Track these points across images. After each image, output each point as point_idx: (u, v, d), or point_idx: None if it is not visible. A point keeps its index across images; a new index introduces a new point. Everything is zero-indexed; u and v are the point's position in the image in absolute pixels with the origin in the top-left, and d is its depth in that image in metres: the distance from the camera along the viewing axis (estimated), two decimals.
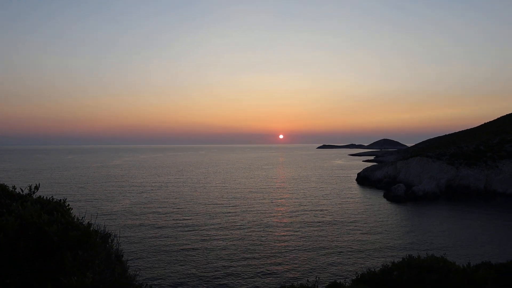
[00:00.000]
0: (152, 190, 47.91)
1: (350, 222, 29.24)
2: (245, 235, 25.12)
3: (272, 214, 32.07)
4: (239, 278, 17.17)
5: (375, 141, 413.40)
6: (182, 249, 21.57)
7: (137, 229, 26.59)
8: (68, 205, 3.53)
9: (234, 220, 29.50)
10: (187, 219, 29.78)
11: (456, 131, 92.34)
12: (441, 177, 45.20)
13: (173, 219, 29.78)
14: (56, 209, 3.31)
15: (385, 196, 42.95)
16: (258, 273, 17.87)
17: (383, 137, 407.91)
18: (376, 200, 40.47)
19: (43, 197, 3.51)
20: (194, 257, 20.21)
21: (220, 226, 27.64)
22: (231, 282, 16.63)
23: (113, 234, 3.50)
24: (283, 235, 25.19)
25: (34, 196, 3.55)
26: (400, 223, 29.08)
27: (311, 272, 17.89)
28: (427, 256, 6.61)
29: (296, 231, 26.26)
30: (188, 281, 16.76)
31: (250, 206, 36.16)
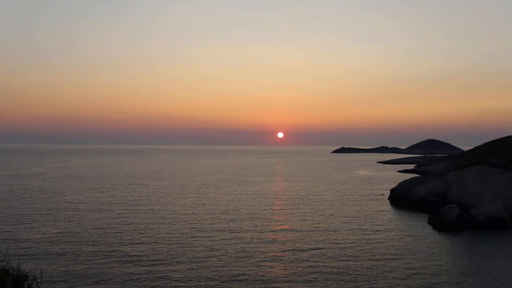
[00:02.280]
0: (86, 212, 47.46)
1: (383, 262, 29.02)
2: None
3: (269, 255, 31.64)
4: None
5: (416, 142, 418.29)
6: None
7: (66, 267, 26.03)
8: None
9: (210, 263, 28.98)
10: (138, 256, 29.23)
11: None
12: (511, 195, 45.49)
13: (117, 257, 29.16)
14: None
15: (430, 222, 43.26)
16: None
17: (428, 137, 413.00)
18: (418, 228, 40.60)
19: None
20: None
21: (187, 274, 27.17)
22: None
23: (31, 275, 3.67)
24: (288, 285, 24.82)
25: None
26: (452, 262, 28.98)
27: None
28: None
29: (307, 279, 25.87)
30: None
31: (233, 241, 35.73)
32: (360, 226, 41.67)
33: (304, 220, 44.74)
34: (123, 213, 47.76)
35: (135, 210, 50.35)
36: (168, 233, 37.45)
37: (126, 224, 41.58)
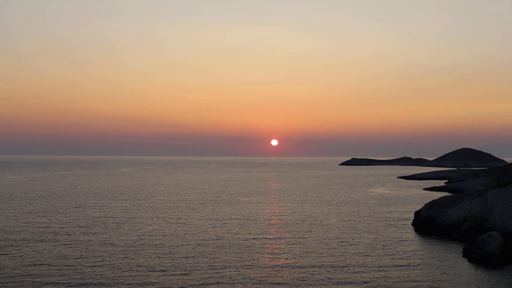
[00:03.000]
0: (23, 242, 46.82)
1: None
2: None
3: None
4: None
5: (447, 152, 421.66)
6: None
7: None
8: None
9: None
10: None
11: None
12: None
13: None
14: None
15: (465, 254, 43.23)
16: None
17: (463, 145, 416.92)
18: (450, 262, 40.62)
19: None
20: None
21: None
22: None
23: None
24: None
25: None
26: None
27: None
28: None
29: None
30: None
31: (214, 279, 35.57)
32: (377, 259, 41.60)
33: (306, 252, 44.59)
34: (71, 244, 47.15)
35: (88, 240, 49.76)
36: (130, 269, 36.95)
37: (76, 258, 41.02)
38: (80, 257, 41.31)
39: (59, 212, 73.20)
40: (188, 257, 41.92)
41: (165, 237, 51.86)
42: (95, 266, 38.32)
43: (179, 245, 47.09)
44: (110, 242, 48.61)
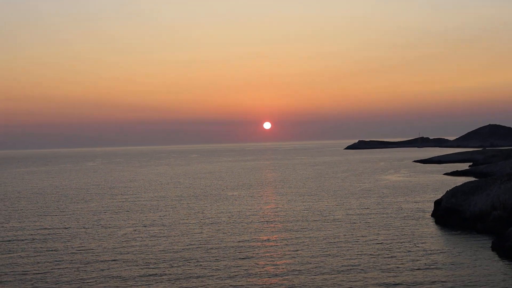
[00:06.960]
0: None
1: None
2: None
3: None
4: None
5: (471, 130, 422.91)
6: None
7: None
8: None
9: None
10: None
11: None
12: None
13: None
14: None
15: (495, 248, 43.62)
16: None
17: (489, 122, 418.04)
18: (477, 258, 41.05)
19: None
20: None
21: None
22: None
23: None
24: None
25: None
26: None
27: None
28: None
29: None
30: None
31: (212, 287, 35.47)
32: (393, 259, 41.92)
33: (311, 255, 44.81)
34: (31, 255, 46.88)
35: (47, 250, 49.57)
36: (107, 281, 36.92)
37: (36, 273, 40.89)
38: (40, 272, 41.24)
39: (14, 217, 72.70)
40: (172, 265, 41.86)
41: (142, 242, 51.88)
42: (61, 281, 38.31)
43: (160, 251, 46.97)
44: (77, 251, 48.36)
